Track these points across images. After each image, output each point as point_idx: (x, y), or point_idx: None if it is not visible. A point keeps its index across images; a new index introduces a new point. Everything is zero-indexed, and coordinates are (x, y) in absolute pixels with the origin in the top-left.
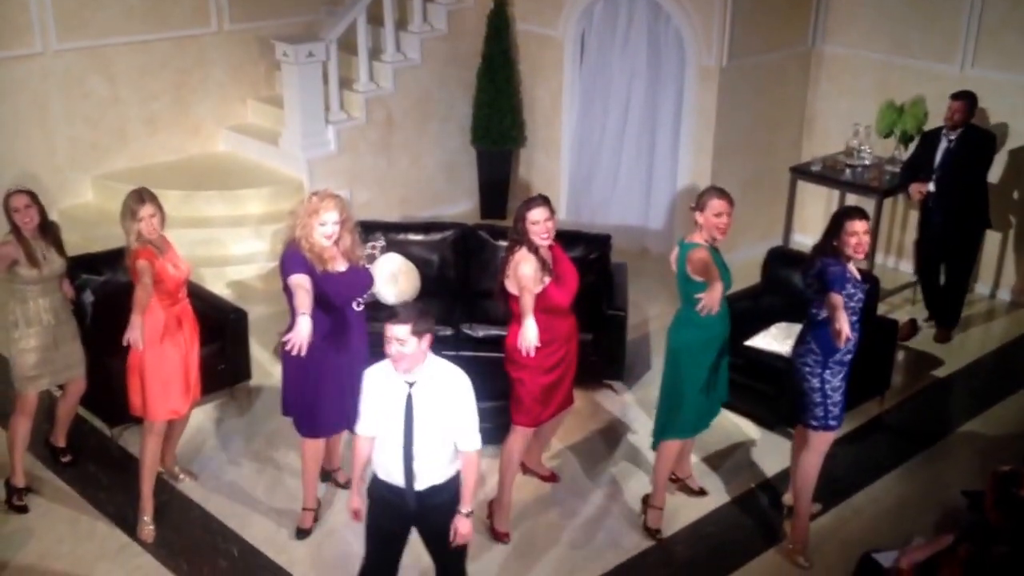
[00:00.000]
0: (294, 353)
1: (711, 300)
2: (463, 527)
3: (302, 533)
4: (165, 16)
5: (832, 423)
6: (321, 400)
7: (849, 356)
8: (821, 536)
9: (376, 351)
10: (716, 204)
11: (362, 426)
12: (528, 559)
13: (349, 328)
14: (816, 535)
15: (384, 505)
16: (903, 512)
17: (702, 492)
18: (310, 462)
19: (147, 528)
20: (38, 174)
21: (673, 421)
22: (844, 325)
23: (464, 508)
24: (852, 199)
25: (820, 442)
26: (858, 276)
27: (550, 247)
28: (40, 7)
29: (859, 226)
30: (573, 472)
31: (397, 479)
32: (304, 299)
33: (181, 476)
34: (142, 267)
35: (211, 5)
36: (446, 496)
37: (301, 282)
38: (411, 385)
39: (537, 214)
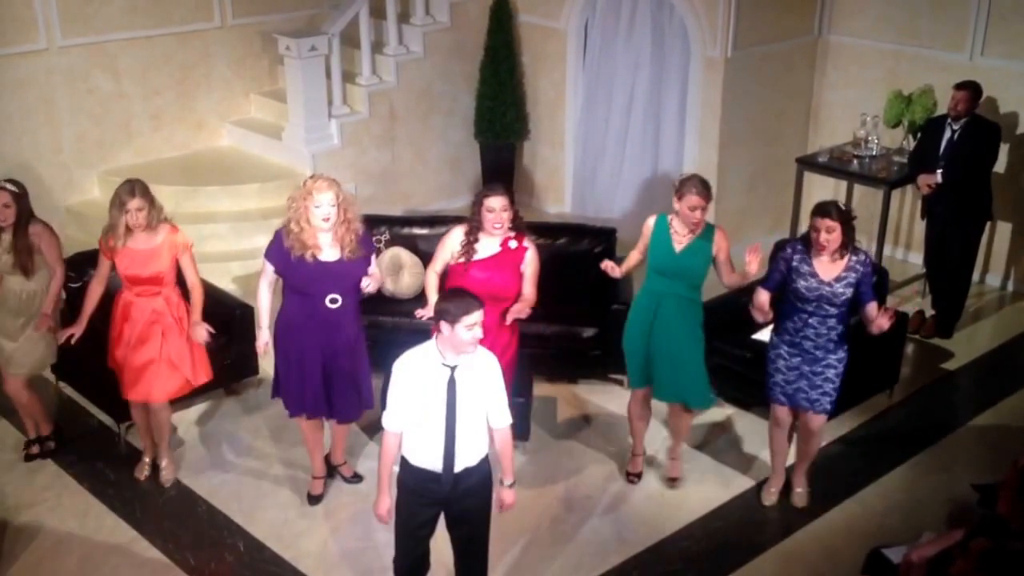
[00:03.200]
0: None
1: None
2: (508, 497)
3: (314, 499)
4: (168, 11)
5: (774, 396)
6: (281, 380)
7: (804, 341)
8: (830, 531)
9: (379, 341)
10: (692, 199)
11: (394, 421)
12: (534, 554)
13: (314, 320)
14: (825, 530)
15: (418, 493)
16: (913, 507)
17: (671, 480)
18: (306, 433)
19: (170, 467)
20: (44, 171)
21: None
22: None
23: (507, 480)
24: (859, 190)
25: (771, 410)
26: (822, 276)
27: (520, 248)
28: (44, 3)
29: (821, 223)
30: (578, 466)
31: (435, 464)
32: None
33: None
34: (100, 258)
35: (214, 0)
36: (477, 478)
37: (264, 267)
38: (453, 368)
39: (494, 202)
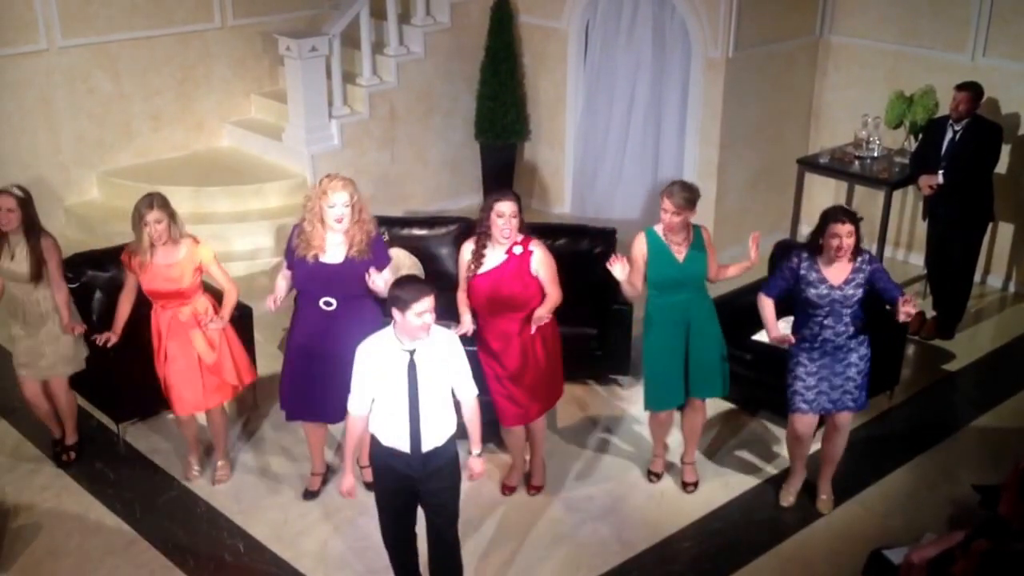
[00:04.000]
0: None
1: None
2: (477, 466)
3: (309, 495)
4: (169, 12)
5: (795, 406)
6: (285, 378)
7: (825, 344)
8: (830, 533)
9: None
10: (665, 202)
11: (357, 404)
12: (534, 554)
13: (313, 319)
14: (825, 532)
15: (390, 469)
16: (914, 508)
17: (687, 486)
18: (307, 429)
19: (225, 468)
20: (44, 172)
21: (645, 391)
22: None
23: (475, 449)
24: (861, 191)
25: (790, 422)
26: (832, 281)
27: (525, 252)
28: (44, 3)
29: (841, 229)
30: (579, 467)
31: (402, 445)
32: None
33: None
34: (125, 272)
35: (214, 1)
36: (446, 458)
37: (283, 265)
38: (412, 352)
39: (505, 207)
